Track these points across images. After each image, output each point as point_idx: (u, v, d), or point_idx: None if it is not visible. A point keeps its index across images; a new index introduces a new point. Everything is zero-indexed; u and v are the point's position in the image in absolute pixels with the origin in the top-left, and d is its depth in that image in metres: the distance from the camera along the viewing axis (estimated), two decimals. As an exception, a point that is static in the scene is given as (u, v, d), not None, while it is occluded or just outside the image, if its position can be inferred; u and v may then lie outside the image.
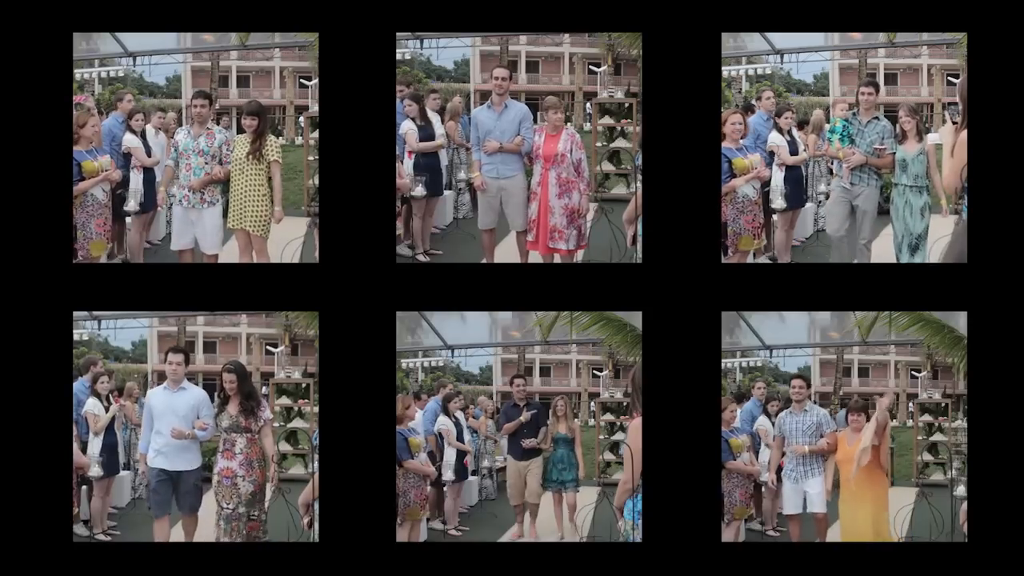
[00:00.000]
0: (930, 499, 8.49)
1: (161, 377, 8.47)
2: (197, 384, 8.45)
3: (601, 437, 8.83)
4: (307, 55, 8.48)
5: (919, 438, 8.74)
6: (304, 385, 8.67)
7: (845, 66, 8.78)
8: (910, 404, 8.74)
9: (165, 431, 8.29)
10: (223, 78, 8.81)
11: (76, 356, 8.16)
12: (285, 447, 8.70)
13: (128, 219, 8.71)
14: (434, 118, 8.86)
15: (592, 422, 8.86)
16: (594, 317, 8.36)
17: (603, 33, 8.49)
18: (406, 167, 8.75)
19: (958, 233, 7.92)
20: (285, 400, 8.76)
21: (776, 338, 8.57)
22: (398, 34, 7.64)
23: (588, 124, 8.81)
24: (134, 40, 8.55)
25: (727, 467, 8.37)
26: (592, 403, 8.83)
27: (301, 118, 8.72)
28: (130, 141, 8.73)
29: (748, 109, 8.72)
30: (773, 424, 8.64)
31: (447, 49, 8.65)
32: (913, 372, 8.67)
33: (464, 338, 8.73)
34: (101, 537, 8.52)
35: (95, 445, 8.56)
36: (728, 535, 8.23)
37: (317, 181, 7.67)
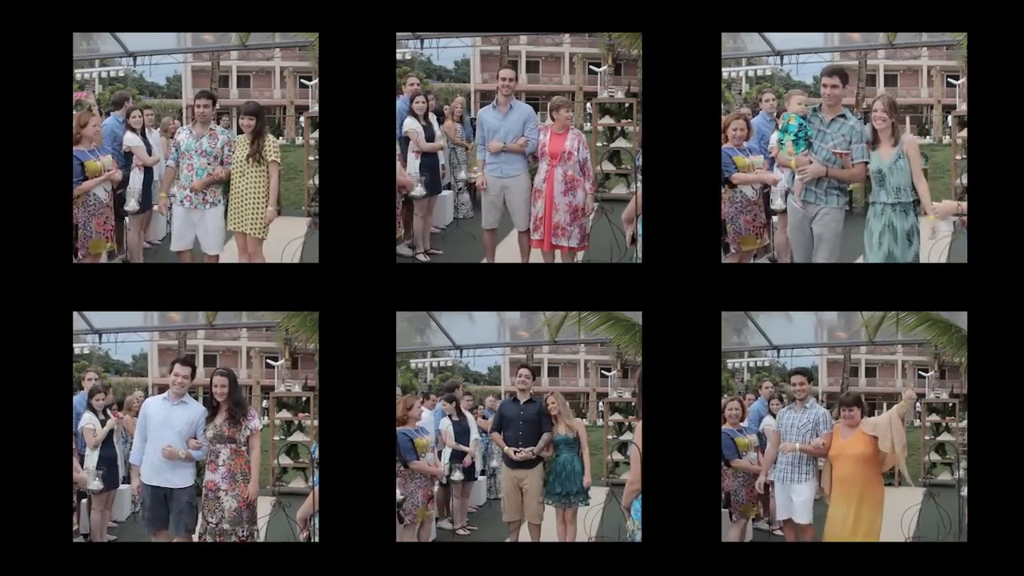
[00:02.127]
0: (937, 499, 8.44)
1: (161, 390, 8.35)
2: (197, 398, 8.31)
3: (609, 437, 8.80)
4: (307, 55, 8.48)
5: (926, 438, 8.69)
6: (304, 399, 8.65)
7: (845, 67, 8.14)
8: (917, 404, 8.66)
9: (159, 444, 8.11)
10: (223, 78, 8.81)
11: (76, 369, 8.15)
12: (285, 460, 8.70)
13: (127, 219, 8.70)
14: (431, 118, 8.87)
15: (600, 422, 8.81)
16: (602, 317, 8.31)
17: (603, 33, 8.47)
18: (411, 167, 8.75)
19: None
20: (285, 414, 8.75)
21: (783, 338, 8.46)
22: (398, 34, 7.64)
23: (588, 124, 8.80)
24: (134, 40, 8.55)
25: (733, 465, 8.33)
26: (600, 403, 8.79)
27: (301, 118, 8.71)
28: (131, 140, 8.74)
29: (754, 111, 8.61)
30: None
31: (447, 49, 8.66)
32: (920, 372, 8.58)
33: (472, 338, 8.71)
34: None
35: (92, 458, 8.51)
36: (735, 533, 8.24)
37: (317, 181, 7.67)
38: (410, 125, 8.75)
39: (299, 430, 8.71)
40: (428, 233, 8.93)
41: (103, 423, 8.52)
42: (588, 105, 8.80)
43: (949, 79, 8.43)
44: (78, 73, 8.49)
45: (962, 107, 8.12)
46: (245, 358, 8.82)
